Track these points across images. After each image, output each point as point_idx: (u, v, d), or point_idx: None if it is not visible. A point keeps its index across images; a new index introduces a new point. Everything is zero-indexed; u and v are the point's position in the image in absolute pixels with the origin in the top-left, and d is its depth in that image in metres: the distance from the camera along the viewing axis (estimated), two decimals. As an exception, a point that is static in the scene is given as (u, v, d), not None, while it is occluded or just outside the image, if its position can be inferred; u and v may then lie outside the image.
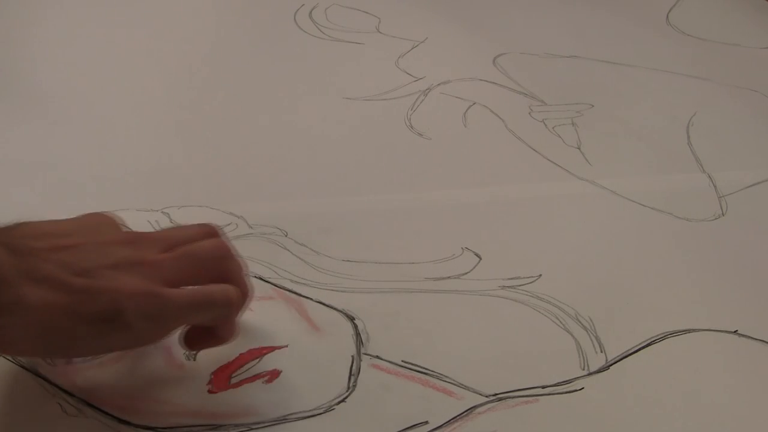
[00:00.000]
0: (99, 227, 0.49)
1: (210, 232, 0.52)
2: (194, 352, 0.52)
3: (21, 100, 0.79)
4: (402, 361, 0.54)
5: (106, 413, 0.49)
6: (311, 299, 0.58)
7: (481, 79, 0.87)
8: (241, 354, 0.52)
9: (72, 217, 0.50)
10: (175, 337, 0.53)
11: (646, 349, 0.56)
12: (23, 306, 0.43)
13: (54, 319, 0.43)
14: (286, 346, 0.54)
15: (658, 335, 0.57)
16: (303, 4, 1.00)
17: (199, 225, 0.53)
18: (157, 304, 0.46)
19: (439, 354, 0.54)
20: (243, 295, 0.51)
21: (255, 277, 0.59)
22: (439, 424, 0.50)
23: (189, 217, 0.64)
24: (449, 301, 0.59)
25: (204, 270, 0.49)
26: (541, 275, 0.61)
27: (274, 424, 0.49)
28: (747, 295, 0.61)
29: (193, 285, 0.49)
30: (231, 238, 0.62)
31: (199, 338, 0.50)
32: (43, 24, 0.93)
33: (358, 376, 0.52)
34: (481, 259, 0.63)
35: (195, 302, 0.48)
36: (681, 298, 0.61)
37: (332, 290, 0.59)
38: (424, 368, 0.53)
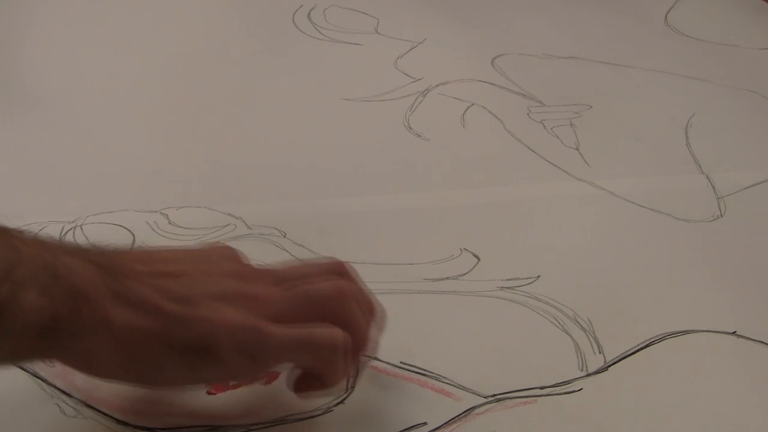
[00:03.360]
0: (213, 258, 0.47)
1: (337, 270, 0.49)
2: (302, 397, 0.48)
3: (19, 100, 0.79)
4: (400, 362, 0.54)
5: (105, 414, 0.49)
6: (310, 300, 0.58)
7: (479, 80, 0.87)
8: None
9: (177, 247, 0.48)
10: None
11: (644, 350, 0.56)
12: (109, 327, 0.40)
13: (142, 344, 0.41)
14: (285, 347, 0.53)
15: (656, 336, 0.57)
16: (301, 5, 1.01)
17: (327, 262, 0.50)
18: (255, 339, 0.43)
19: (438, 355, 0.54)
20: (358, 344, 0.47)
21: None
22: (438, 425, 0.50)
23: (187, 218, 0.64)
24: (448, 302, 0.59)
25: (319, 311, 0.46)
26: (539, 276, 0.61)
27: (272, 426, 0.49)
28: (746, 296, 0.61)
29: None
30: (229, 239, 0.62)
31: (305, 383, 0.47)
32: (42, 25, 0.93)
33: (356, 378, 0.52)
34: (479, 260, 0.63)
35: (296, 341, 0.44)
36: (680, 299, 0.61)
37: (331, 291, 0.59)
38: (422, 369, 0.53)
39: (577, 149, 0.77)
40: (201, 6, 1.00)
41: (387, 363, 0.53)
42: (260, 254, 0.61)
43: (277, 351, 0.44)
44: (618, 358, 0.55)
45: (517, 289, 0.60)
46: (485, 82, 0.87)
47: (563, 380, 0.53)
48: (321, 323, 0.46)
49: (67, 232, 0.62)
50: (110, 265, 0.42)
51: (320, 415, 0.49)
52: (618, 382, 0.54)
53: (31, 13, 0.95)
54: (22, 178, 0.69)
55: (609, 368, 0.54)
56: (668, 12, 1.05)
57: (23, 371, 0.51)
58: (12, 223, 0.62)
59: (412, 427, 0.49)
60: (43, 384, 0.50)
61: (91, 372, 0.42)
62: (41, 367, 0.50)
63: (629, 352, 0.56)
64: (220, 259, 0.47)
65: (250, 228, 0.64)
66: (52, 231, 0.62)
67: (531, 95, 0.85)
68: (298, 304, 0.46)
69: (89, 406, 0.49)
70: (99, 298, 0.40)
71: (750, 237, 0.68)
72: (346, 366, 0.47)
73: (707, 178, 0.74)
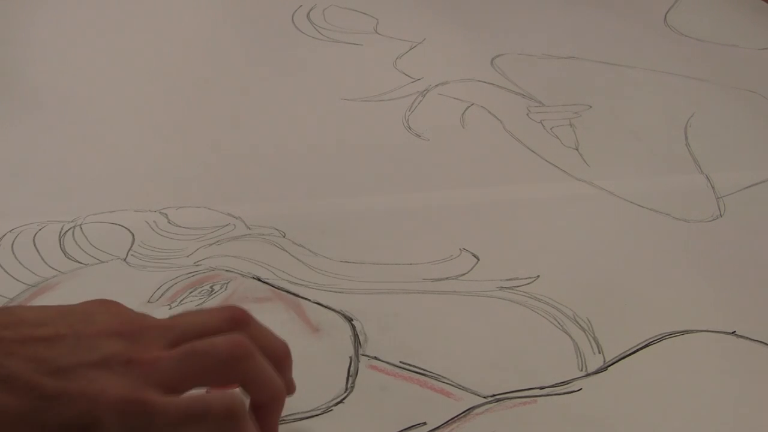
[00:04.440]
0: (90, 316, 0.41)
1: (236, 318, 0.43)
2: None
3: (19, 100, 0.79)
4: (400, 362, 0.54)
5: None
6: (309, 300, 0.58)
7: (479, 80, 0.87)
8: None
9: (52, 306, 0.42)
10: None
11: (644, 350, 0.56)
12: None
13: (9, 427, 0.36)
14: (284, 347, 0.53)
15: (656, 336, 0.57)
16: (301, 5, 1.01)
17: (223, 309, 0.44)
18: (142, 414, 0.37)
19: (437, 355, 0.54)
20: (273, 400, 0.43)
21: (253, 277, 0.59)
22: (437, 425, 0.50)
23: (187, 217, 0.64)
24: (447, 302, 0.59)
25: (216, 370, 0.41)
26: (539, 276, 0.61)
27: (272, 425, 0.49)
28: (745, 296, 0.61)
29: (200, 388, 0.41)
30: (229, 239, 0.62)
31: None
32: (42, 26, 0.93)
33: (356, 377, 0.52)
34: (479, 260, 0.63)
35: (188, 414, 0.39)
36: (679, 299, 0.61)
37: (330, 291, 0.59)
38: (422, 369, 0.53)
39: (577, 149, 0.77)
40: (200, 6, 1.00)
41: (386, 363, 0.53)
42: (260, 254, 0.61)
43: (167, 427, 0.38)
44: (617, 358, 0.55)
45: (517, 289, 0.60)
46: (485, 82, 0.87)
47: (563, 380, 0.53)
48: (217, 389, 0.42)
49: (67, 231, 0.62)
50: None
51: (320, 415, 0.49)
52: (617, 382, 0.54)
53: (31, 14, 0.95)
54: (22, 178, 0.69)
55: (608, 368, 0.54)
56: (668, 12, 1.05)
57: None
58: (10, 223, 0.63)
59: (412, 427, 0.49)
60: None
61: None
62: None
63: (629, 352, 0.56)
64: (99, 315, 0.41)
65: (249, 228, 0.64)
66: (51, 231, 0.62)
67: (530, 95, 0.85)
68: (193, 366, 0.40)
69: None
70: None
71: (749, 237, 0.68)
72: (255, 430, 0.42)
73: (707, 178, 0.74)
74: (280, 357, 0.44)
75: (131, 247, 0.61)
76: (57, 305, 0.42)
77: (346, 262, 0.61)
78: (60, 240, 0.61)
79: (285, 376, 0.44)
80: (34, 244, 0.61)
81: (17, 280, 0.57)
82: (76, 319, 0.40)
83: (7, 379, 0.36)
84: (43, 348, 0.38)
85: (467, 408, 0.51)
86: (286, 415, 0.49)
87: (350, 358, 0.53)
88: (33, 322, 0.39)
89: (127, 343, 0.40)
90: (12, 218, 0.63)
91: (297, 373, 0.52)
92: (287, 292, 0.58)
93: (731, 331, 0.58)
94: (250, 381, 0.42)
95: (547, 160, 0.75)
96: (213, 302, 0.56)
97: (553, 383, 0.53)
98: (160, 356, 0.40)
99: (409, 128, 0.79)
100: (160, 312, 0.55)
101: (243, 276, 0.59)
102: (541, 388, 0.53)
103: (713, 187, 0.73)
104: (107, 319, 0.41)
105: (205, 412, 0.39)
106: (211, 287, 0.57)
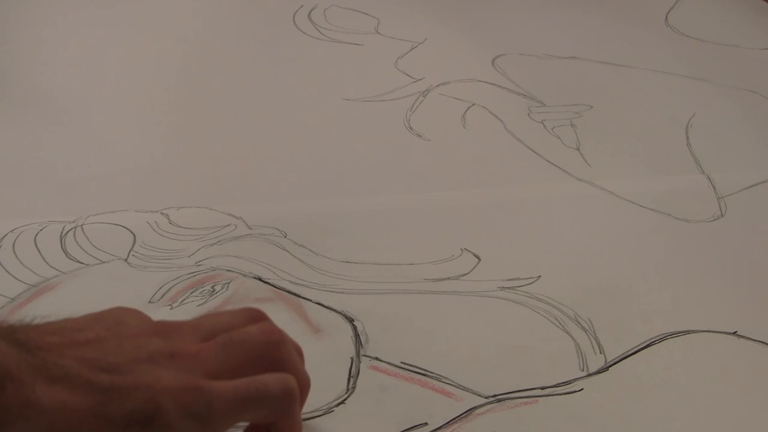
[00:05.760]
0: (121, 320, 0.42)
1: (255, 316, 0.45)
2: None
3: (20, 100, 0.79)
4: (401, 362, 0.53)
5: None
6: (310, 300, 0.58)
7: (480, 80, 0.87)
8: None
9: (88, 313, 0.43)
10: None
11: (645, 350, 0.56)
12: (38, 409, 0.36)
13: (78, 425, 0.37)
14: (286, 347, 0.53)
15: (657, 336, 0.57)
16: (302, 5, 1.01)
17: (242, 309, 0.46)
18: (201, 399, 0.39)
19: (439, 355, 0.54)
20: (302, 387, 0.44)
21: (254, 278, 0.59)
22: (439, 426, 0.50)
23: (188, 218, 0.64)
24: (448, 303, 0.59)
25: (253, 359, 0.42)
26: (540, 276, 0.61)
27: (273, 426, 0.49)
28: (746, 296, 0.61)
29: (242, 377, 0.42)
30: (230, 239, 0.62)
31: None
32: (43, 25, 0.93)
33: (357, 378, 0.52)
34: (480, 260, 0.63)
35: (247, 395, 0.41)
36: (680, 299, 0.61)
37: (331, 291, 0.59)
38: (423, 369, 0.53)
39: (578, 149, 0.77)
40: (201, 6, 1.00)
41: (388, 363, 0.53)
42: (261, 254, 0.61)
43: (227, 410, 0.40)
44: (619, 358, 0.55)
45: (518, 289, 0.60)
46: (486, 82, 0.87)
47: (564, 380, 0.53)
48: (263, 373, 0.43)
49: (68, 231, 0.62)
50: (26, 339, 0.38)
51: (321, 415, 0.49)
52: (619, 382, 0.54)
53: (32, 14, 0.95)
54: (22, 178, 0.69)
55: (610, 368, 0.54)
56: (668, 12, 1.05)
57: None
58: (12, 223, 0.63)
59: (413, 427, 0.49)
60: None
61: None
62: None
63: (630, 352, 0.56)
64: (129, 319, 0.43)
65: (250, 228, 0.64)
66: (53, 231, 0.62)
67: (531, 95, 0.85)
68: (233, 355, 0.42)
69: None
70: (22, 377, 0.36)
71: (750, 237, 0.68)
72: (300, 414, 0.44)
73: (708, 178, 0.74)
74: (297, 351, 0.46)
75: (132, 247, 0.61)
76: (83, 315, 0.42)
77: (347, 262, 0.61)
78: (61, 240, 0.61)
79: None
80: (36, 244, 0.61)
81: (18, 280, 0.57)
82: (110, 323, 0.42)
83: (65, 378, 0.37)
84: (89, 349, 0.39)
85: (468, 408, 0.51)
86: (287, 416, 0.49)
87: (351, 358, 0.53)
88: (73, 328, 0.40)
89: (165, 340, 0.41)
90: (13, 218, 0.63)
91: (298, 374, 0.52)
92: (288, 292, 0.58)
93: (733, 332, 0.58)
94: (283, 366, 0.43)
95: (548, 160, 0.75)
96: (214, 302, 0.56)
97: (555, 383, 0.53)
98: (201, 348, 0.41)
99: (411, 128, 0.79)
100: (162, 313, 0.55)
101: (244, 276, 0.59)
102: (543, 388, 0.53)
103: (714, 187, 0.73)
104: (138, 322, 0.43)
105: (264, 392, 0.41)
106: (212, 287, 0.58)
